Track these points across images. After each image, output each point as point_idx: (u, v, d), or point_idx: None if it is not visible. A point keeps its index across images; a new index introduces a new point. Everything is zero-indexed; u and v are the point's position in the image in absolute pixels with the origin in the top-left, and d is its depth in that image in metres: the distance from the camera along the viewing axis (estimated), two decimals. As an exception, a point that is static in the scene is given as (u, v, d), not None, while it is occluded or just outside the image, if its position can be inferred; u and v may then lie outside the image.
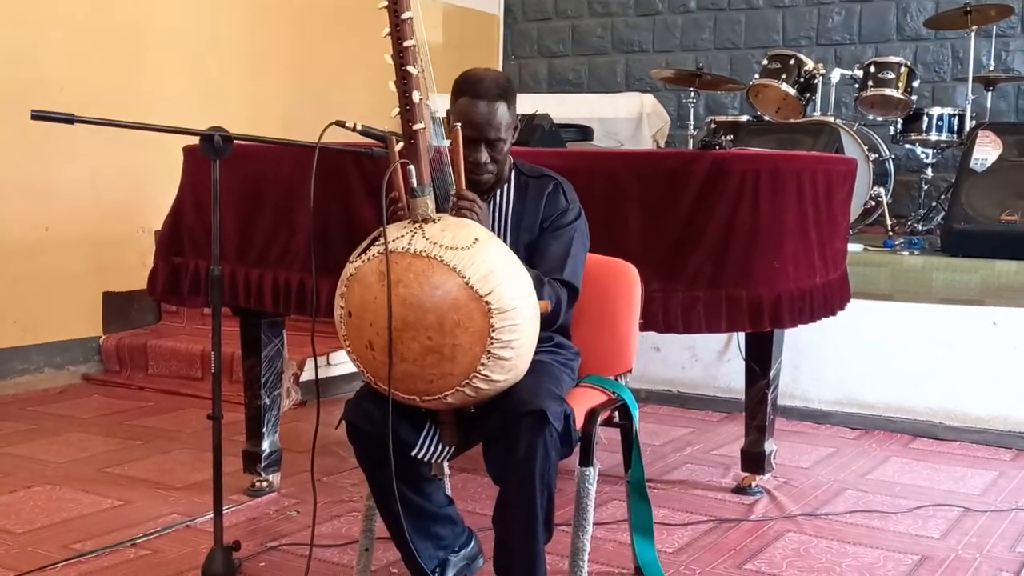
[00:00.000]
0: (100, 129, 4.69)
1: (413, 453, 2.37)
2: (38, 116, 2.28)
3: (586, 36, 7.96)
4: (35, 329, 4.98)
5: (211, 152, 2.45)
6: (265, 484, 3.44)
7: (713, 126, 6.30)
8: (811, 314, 3.27)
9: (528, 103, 6.35)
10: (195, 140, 2.59)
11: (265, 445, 3.45)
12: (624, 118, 6.75)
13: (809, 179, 3.26)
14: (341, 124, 2.47)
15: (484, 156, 2.48)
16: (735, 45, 7.49)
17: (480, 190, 2.55)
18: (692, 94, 6.52)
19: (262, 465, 3.44)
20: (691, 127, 6.55)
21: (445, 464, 2.97)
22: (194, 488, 3.47)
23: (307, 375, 4.68)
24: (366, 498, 2.55)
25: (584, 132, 6.44)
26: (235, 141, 2.58)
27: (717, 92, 7.19)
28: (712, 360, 4.77)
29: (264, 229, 3.28)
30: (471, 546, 2.67)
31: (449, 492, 2.96)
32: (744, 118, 6.40)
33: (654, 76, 6.87)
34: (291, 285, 3.21)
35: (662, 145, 6.77)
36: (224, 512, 3.15)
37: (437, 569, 2.56)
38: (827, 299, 3.39)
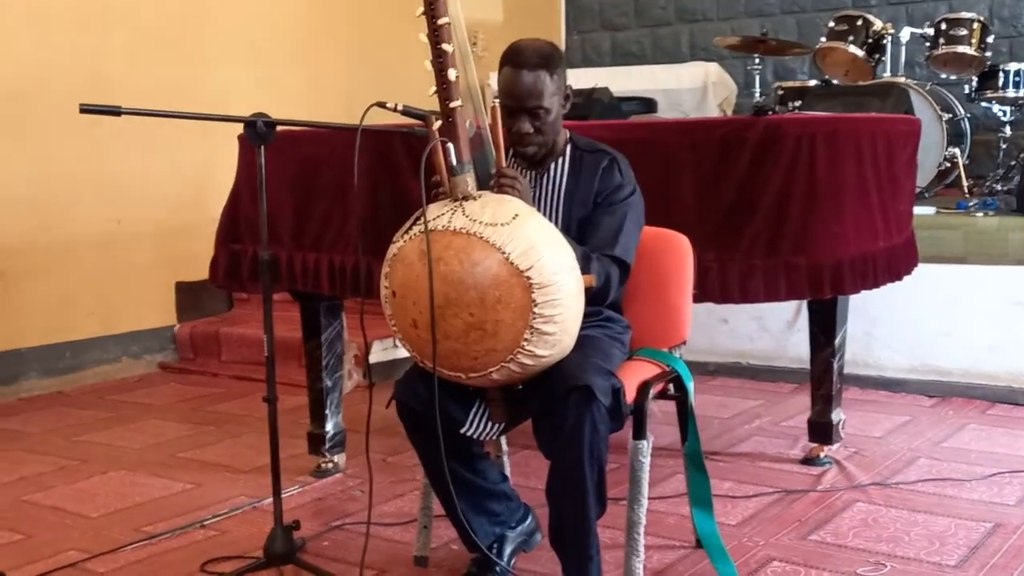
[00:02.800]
0: (167, 121, 4.82)
1: (462, 431, 2.37)
2: (86, 110, 2.33)
3: (648, 7, 7.85)
4: (111, 320, 5.12)
5: (255, 138, 2.48)
6: (330, 465, 3.49)
7: (780, 92, 6.17)
8: (875, 279, 3.19)
9: (591, 77, 6.31)
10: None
11: (329, 427, 3.49)
12: (688, 88, 6.63)
13: (868, 141, 3.18)
14: (382, 105, 2.47)
15: (527, 126, 2.46)
16: (802, 8, 7.31)
17: (532, 163, 2.54)
18: (757, 61, 6.39)
19: (327, 447, 3.49)
20: (757, 94, 6.42)
21: (503, 442, 2.98)
22: (262, 470, 3.52)
23: (374, 357, 4.72)
24: (423, 476, 2.57)
25: (648, 105, 6.36)
26: (283, 127, 2.61)
27: (784, 58, 7.03)
28: (781, 330, 4.68)
29: (319, 213, 3.31)
30: (528, 522, 2.68)
31: (508, 469, 2.98)
32: (812, 83, 6.25)
33: (718, 44, 6.73)
34: (346, 268, 3.24)
35: (729, 114, 6.65)
36: (291, 493, 3.25)
37: (495, 544, 2.57)
38: (891, 263, 3.30)
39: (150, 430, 4.15)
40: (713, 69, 6.70)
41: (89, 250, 5.03)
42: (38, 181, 4.83)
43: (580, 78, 6.64)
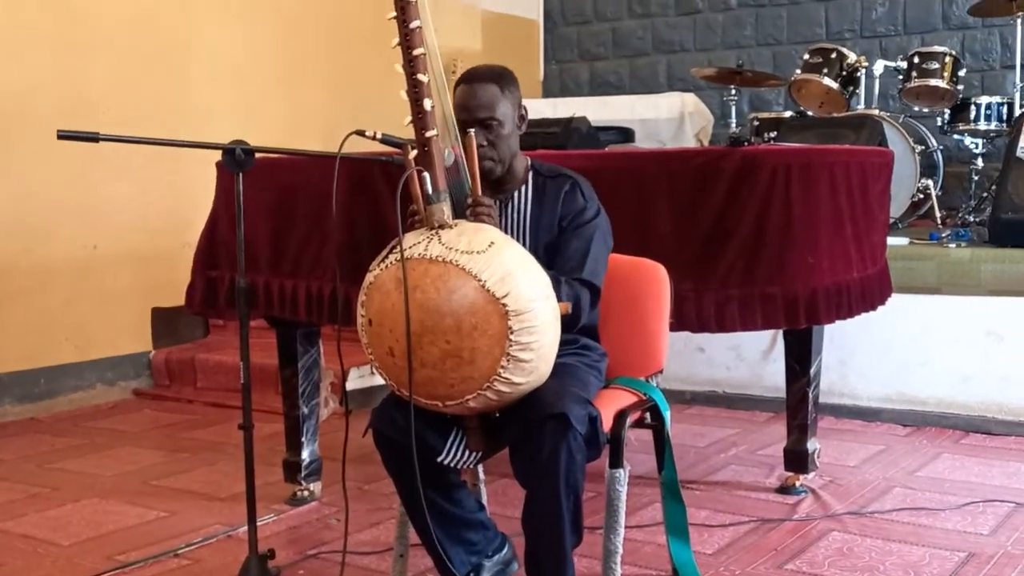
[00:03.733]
0: (145, 148, 4.82)
1: (439, 459, 2.37)
2: (64, 136, 2.33)
3: (627, 38, 7.93)
4: (87, 346, 5.09)
5: (234, 165, 2.49)
6: (306, 493, 3.47)
7: (756, 123, 6.23)
8: (849, 309, 3.21)
9: (569, 107, 6.36)
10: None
11: (305, 455, 3.48)
12: (666, 118, 6.70)
13: (842, 172, 3.21)
14: (361, 133, 2.48)
15: (480, 139, 2.48)
16: (778, 41, 7.41)
17: (493, 187, 2.56)
18: (734, 92, 6.46)
19: (303, 474, 3.47)
20: (733, 125, 6.49)
21: (480, 470, 2.98)
22: (237, 498, 3.49)
23: (351, 384, 4.71)
24: (399, 505, 2.56)
25: (625, 134, 6.40)
26: (262, 154, 2.62)
27: (761, 89, 7.11)
28: (757, 359, 4.71)
29: (297, 240, 3.31)
30: (505, 551, 2.67)
31: (485, 498, 2.97)
32: (787, 114, 6.31)
33: (695, 75, 6.82)
34: (324, 295, 3.24)
35: (706, 144, 6.71)
36: (266, 521, 3.23)
37: (471, 574, 2.56)
38: (866, 293, 3.33)
39: (124, 457, 4.12)
40: (690, 99, 6.77)
41: (65, 276, 5.01)
42: (18, 204, 4.81)
43: (558, 107, 6.71)
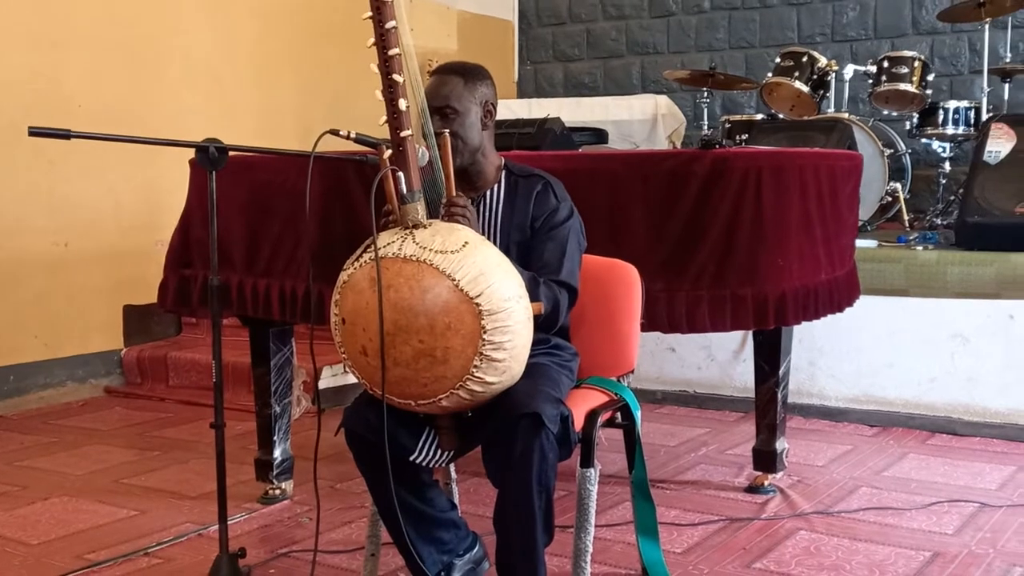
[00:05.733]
0: (117, 145, 4.77)
1: (411, 458, 2.38)
2: (35, 132, 2.32)
3: (601, 39, 7.96)
4: (57, 343, 5.05)
5: (207, 164, 2.48)
6: (278, 492, 3.47)
7: (727, 125, 6.28)
8: (816, 311, 3.25)
9: (544, 107, 6.39)
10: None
11: (277, 453, 3.48)
12: (639, 120, 6.76)
13: (812, 175, 3.25)
14: (335, 133, 2.49)
15: (437, 127, 2.50)
16: (750, 44, 7.47)
17: (465, 186, 2.58)
18: (706, 94, 6.52)
19: (274, 473, 3.47)
20: (705, 127, 6.54)
21: (452, 469, 2.99)
22: (208, 497, 3.49)
23: (324, 383, 4.71)
24: (371, 504, 2.56)
25: (599, 135, 6.45)
26: (237, 152, 2.62)
27: (733, 92, 7.17)
28: (728, 360, 4.75)
29: (271, 239, 3.31)
30: (476, 550, 2.68)
31: (457, 497, 2.98)
32: (759, 117, 6.37)
33: (667, 77, 6.86)
34: (298, 294, 3.24)
35: (678, 146, 6.76)
36: (237, 520, 3.23)
37: (442, 573, 2.57)
38: (833, 295, 3.37)
39: (94, 455, 4.09)
40: (663, 101, 6.82)
41: (35, 272, 4.97)
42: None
43: (532, 108, 6.74)
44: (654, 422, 4.51)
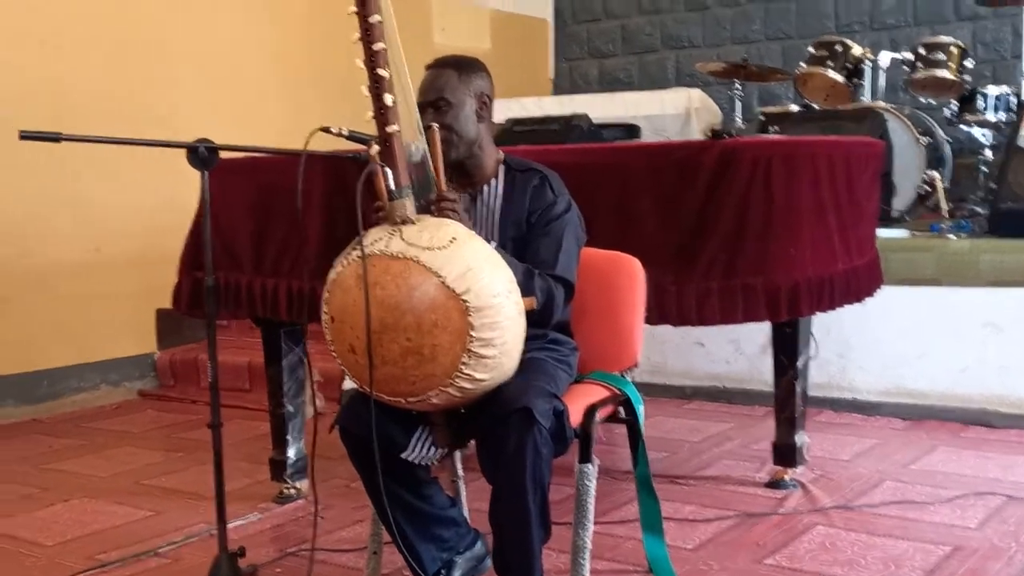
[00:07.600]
0: (144, 150, 4.85)
1: (403, 455, 2.37)
2: (27, 136, 2.34)
3: (636, 35, 7.91)
4: (90, 348, 5.13)
5: (198, 164, 2.49)
6: (292, 491, 3.48)
7: (763, 118, 6.18)
8: (831, 301, 3.18)
9: (577, 104, 6.34)
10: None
11: (291, 453, 3.49)
12: (672, 114, 6.67)
13: (825, 163, 3.18)
14: (327, 130, 2.49)
15: (431, 119, 2.47)
16: (787, 35, 7.37)
17: (463, 180, 2.55)
18: (739, 86, 6.42)
19: (288, 472, 3.48)
20: (740, 120, 6.44)
21: (459, 467, 2.97)
22: (225, 497, 3.52)
23: (346, 384, 4.72)
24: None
25: (630, 131, 6.37)
26: (238, 153, 2.62)
27: (770, 84, 7.06)
28: (756, 353, 4.66)
29: (277, 239, 3.32)
30: (477, 547, 2.66)
31: (464, 494, 2.96)
32: (794, 108, 6.26)
33: (700, 70, 6.78)
34: (304, 293, 3.24)
35: (712, 139, 6.66)
36: (250, 520, 3.25)
37: (442, 571, 2.55)
38: (851, 285, 3.30)
39: (120, 457, 4.14)
40: (696, 95, 6.73)
41: (67, 278, 5.04)
42: (15, 208, 4.85)
43: (564, 105, 6.70)
44: (680, 417, 4.45)
